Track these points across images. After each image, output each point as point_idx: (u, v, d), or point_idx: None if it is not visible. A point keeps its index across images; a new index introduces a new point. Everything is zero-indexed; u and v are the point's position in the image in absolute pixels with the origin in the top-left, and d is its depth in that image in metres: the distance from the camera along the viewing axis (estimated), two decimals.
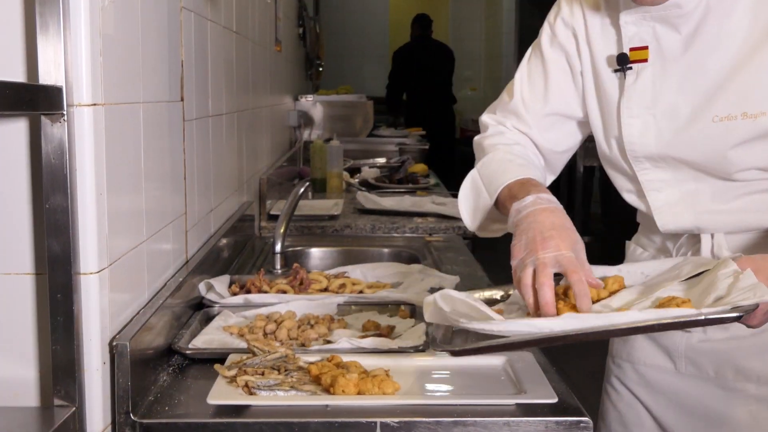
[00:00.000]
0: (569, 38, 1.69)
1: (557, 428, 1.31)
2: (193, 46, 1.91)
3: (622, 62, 1.58)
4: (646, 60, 1.57)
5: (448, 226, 3.00)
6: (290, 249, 2.63)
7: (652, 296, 1.37)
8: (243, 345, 1.58)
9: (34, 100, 1.12)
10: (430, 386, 1.44)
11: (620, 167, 1.67)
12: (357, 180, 4.22)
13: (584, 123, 1.73)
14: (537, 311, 1.34)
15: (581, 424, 1.31)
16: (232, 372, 1.41)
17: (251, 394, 1.36)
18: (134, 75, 1.46)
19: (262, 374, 1.40)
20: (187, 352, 1.56)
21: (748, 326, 1.35)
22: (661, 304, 1.31)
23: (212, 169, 2.15)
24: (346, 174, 4.17)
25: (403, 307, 1.87)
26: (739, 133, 1.50)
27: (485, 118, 1.80)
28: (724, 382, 1.63)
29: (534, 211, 1.45)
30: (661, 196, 1.63)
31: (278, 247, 2.36)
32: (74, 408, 1.22)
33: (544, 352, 1.61)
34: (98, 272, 1.25)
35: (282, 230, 2.37)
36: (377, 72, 9.63)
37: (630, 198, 1.70)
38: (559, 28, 1.70)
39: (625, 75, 1.59)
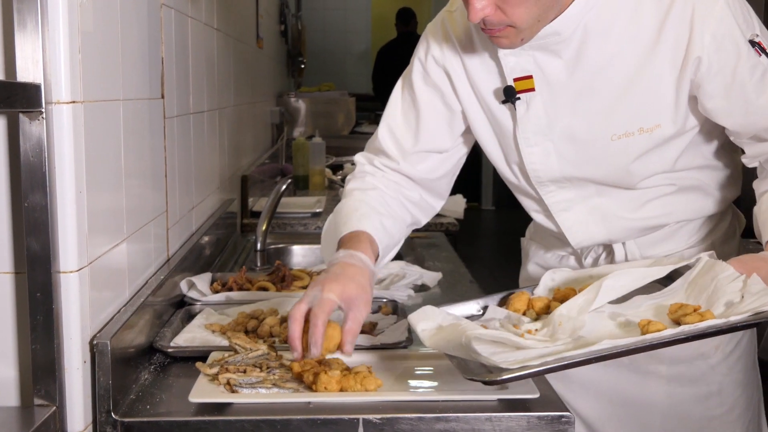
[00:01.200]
0: (442, 78, 1.69)
1: (539, 423, 1.31)
2: (173, 43, 1.90)
3: (509, 95, 1.59)
4: (533, 89, 1.58)
5: (430, 223, 2.98)
6: (272, 246, 2.62)
7: (656, 304, 1.41)
8: (225, 343, 1.58)
9: (11, 98, 1.11)
10: (412, 382, 1.45)
11: (525, 191, 1.72)
12: (339, 177, 4.22)
13: (457, 150, 1.75)
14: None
15: (563, 419, 1.31)
16: (214, 370, 1.41)
17: (233, 391, 1.36)
18: (114, 72, 1.45)
19: (244, 372, 1.40)
20: (169, 350, 1.55)
21: None
22: (675, 311, 1.34)
23: (193, 166, 2.14)
24: (328, 171, 4.16)
25: (385, 303, 1.87)
26: (638, 147, 1.57)
27: (358, 156, 1.81)
28: (636, 367, 1.70)
29: (339, 263, 1.47)
30: (570, 216, 1.69)
31: (260, 245, 2.36)
32: (55, 407, 1.22)
33: None
34: (78, 271, 1.25)
35: (264, 228, 2.37)
36: (360, 69, 9.63)
37: (539, 218, 1.75)
38: (431, 67, 1.70)
39: (515, 106, 1.60)
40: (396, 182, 1.73)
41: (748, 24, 1.52)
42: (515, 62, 1.58)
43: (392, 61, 8.32)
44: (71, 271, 1.24)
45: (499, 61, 1.60)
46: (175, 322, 1.70)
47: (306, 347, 1.36)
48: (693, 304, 1.36)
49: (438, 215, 3.05)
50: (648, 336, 1.27)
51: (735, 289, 1.35)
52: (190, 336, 1.63)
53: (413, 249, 2.62)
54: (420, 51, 1.73)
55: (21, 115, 1.16)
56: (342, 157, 4.89)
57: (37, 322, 1.20)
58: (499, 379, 1.24)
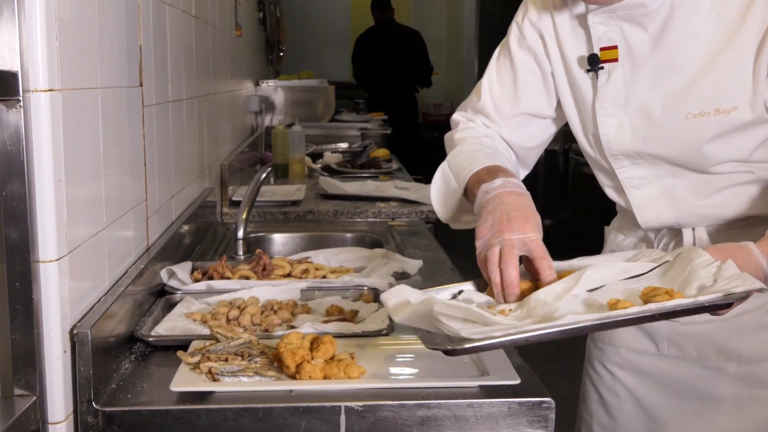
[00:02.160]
0: (537, 40, 1.70)
1: (520, 409, 1.32)
2: (151, 31, 1.89)
3: (593, 63, 1.60)
4: (616, 59, 1.58)
5: (410, 211, 3.01)
6: (253, 235, 2.62)
7: (629, 288, 1.39)
8: (206, 331, 1.58)
9: None
10: (394, 370, 1.45)
11: (600, 164, 1.70)
12: (319, 165, 4.21)
13: (554, 120, 1.77)
14: (501, 291, 1.38)
15: (543, 405, 1.32)
16: (196, 359, 1.41)
17: (215, 380, 1.36)
18: (92, 60, 1.44)
19: (226, 360, 1.40)
20: (150, 339, 1.55)
21: (714, 314, 1.39)
22: (646, 294, 1.32)
23: (173, 155, 2.13)
24: (308, 159, 4.15)
25: (366, 291, 1.87)
26: (713, 128, 1.53)
27: (456, 116, 1.82)
28: (706, 363, 1.66)
29: (501, 194, 1.47)
30: (641, 193, 1.66)
31: (240, 233, 2.36)
32: (35, 397, 1.21)
33: None
34: (57, 260, 1.24)
35: (244, 216, 2.36)
36: (339, 57, 9.60)
37: (610, 193, 1.73)
38: (527, 30, 1.71)
39: (597, 75, 1.61)
40: (498, 138, 1.75)
41: None
42: (603, 31, 1.58)
43: (371, 48, 8.31)
44: (50, 261, 1.23)
45: (588, 29, 1.60)
46: (155, 311, 1.70)
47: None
48: (666, 288, 1.35)
49: (418, 203, 3.07)
50: (613, 312, 1.26)
51: (708, 274, 1.35)
52: (171, 325, 1.63)
53: (393, 237, 2.62)
54: (518, 15, 1.75)
55: None
56: (322, 146, 4.88)
57: (17, 311, 1.19)
58: (459, 348, 1.22)
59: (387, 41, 8.30)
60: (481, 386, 1.35)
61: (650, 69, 1.57)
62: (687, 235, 1.65)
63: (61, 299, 1.25)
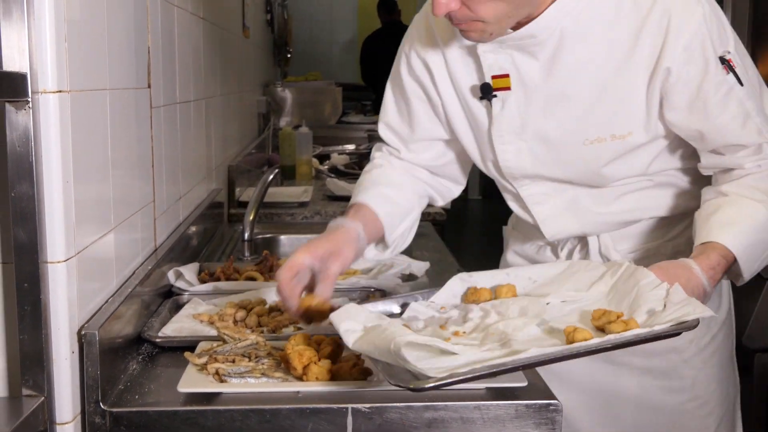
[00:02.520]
0: (423, 72, 1.71)
1: (527, 411, 1.32)
2: (159, 33, 1.89)
3: (486, 92, 1.61)
4: (509, 88, 1.59)
5: None
6: (260, 236, 2.62)
7: (578, 308, 1.42)
8: (213, 332, 1.58)
9: None
10: (400, 371, 1.44)
11: (502, 184, 1.75)
12: (326, 167, 4.21)
13: (455, 142, 1.77)
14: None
15: (551, 407, 1.32)
16: (203, 360, 1.41)
17: (222, 381, 1.36)
18: (100, 61, 1.44)
19: (233, 361, 1.40)
20: (157, 340, 1.55)
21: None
22: (598, 318, 1.34)
23: (180, 156, 2.13)
24: (315, 161, 4.15)
25: (373, 293, 1.87)
26: (610, 152, 1.59)
27: (372, 151, 1.87)
28: (611, 359, 1.70)
29: (324, 233, 1.59)
30: (545, 209, 1.71)
31: (247, 235, 2.36)
32: (43, 398, 1.21)
33: None
34: (66, 261, 1.24)
35: (251, 217, 2.37)
36: (346, 58, 9.61)
37: (515, 209, 1.78)
38: (414, 60, 1.72)
39: (491, 104, 1.62)
40: (406, 163, 1.79)
41: (722, 40, 1.52)
42: (494, 60, 1.59)
43: (378, 50, 8.30)
44: (59, 261, 1.23)
45: (478, 57, 1.60)
46: (162, 312, 1.70)
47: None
48: (615, 310, 1.36)
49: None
50: (575, 345, 1.26)
51: (657, 297, 1.36)
52: (179, 326, 1.63)
53: None
54: (405, 44, 1.76)
55: (7, 105, 1.16)
56: (329, 147, 4.88)
57: (25, 312, 1.20)
58: (426, 386, 1.19)
59: (393, 43, 8.28)
60: (488, 388, 1.35)
61: (543, 97, 1.59)
62: (593, 244, 1.71)
63: (69, 300, 1.26)
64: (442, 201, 1.87)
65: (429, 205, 3.04)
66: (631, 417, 1.76)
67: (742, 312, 2.27)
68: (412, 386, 1.20)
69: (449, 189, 1.86)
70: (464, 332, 1.38)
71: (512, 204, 1.77)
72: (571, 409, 1.75)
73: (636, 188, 1.67)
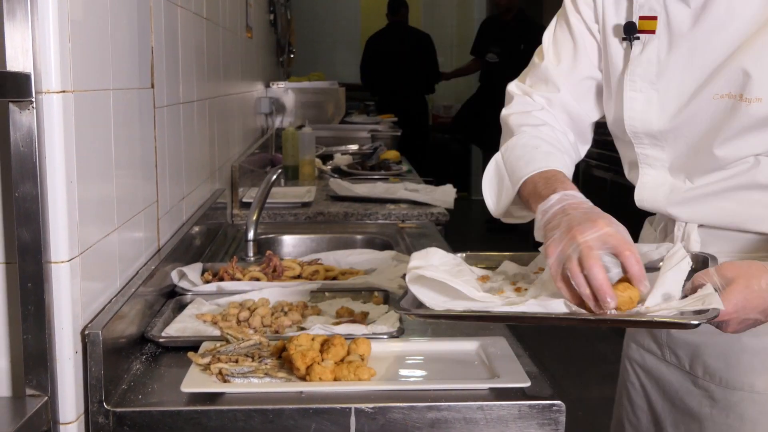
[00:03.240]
0: (588, 4, 1.63)
1: (530, 412, 1.32)
2: (163, 33, 1.89)
3: (629, 31, 1.53)
4: (653, 31, 1.51)
5: (420, 213, 3.01)
6: (263, 236, 2.62)
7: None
8: (216, 333, 1.58)
9: (1, 88, 1.11)
10: (404, 372, 1.45)
11: (620, 136, 1.63)
12: (329, 167, 4.21)
13: None
14: (595, 301, 1.25)
15: (554, 407, 1.32)
16: (206, 360, 1.41)
17: (225, 381, 1.36)
18: (104, 61, 1.44)
19: (236, 362, 1.40)
20: (160, 340, 1.55)
21: (724, 330, 1.33)
22: (615, 287, 1.27)
23: (184, 156, 2.13)
24: (318, 161, 4.16)
25: (376, 293, 1.87)
26: (737, 116, 1.44)
27: (512, 87, 1.72)
28: (695, 379, 1.58)
29: (562, 208, 1.37)
30: (652, 172, 1.58)
31: (251, 235, 2.36)
32: (46, 398, 1.22)
33: (516, 336, 1.62)
34: (69, 261, 1.24)
35: (255, 218, 2.37)
36: (349, 58, 9.60)
37: (626, 169, 1.67)
38: None
39: (631, 45, 1.54)
40: (558, 119, 1.66)
41: None
42: (644, 1, 1.52)
43: (381, 50, 8.30)
44: (62, 261, 1.23)
45: None
46: (166, 312, 1.70)
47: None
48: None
49: (428, 205, 3.07)
50: (571, 312, 1.26)
51: (678, 281, 1.29)
52: (182, 326, 1.63)
53: (403, 239, 2.62)
54: None
55: (11, 105, 1.16)
56: (332, 147, 4.88)
57: (29, 312, 1.20)
58: (417, 313, 1.31)
59: (397, 43, 8.30)
60: (491, 389, 1.35)
61: (687, 46, 1.49)
62: (678, 229, 1.56)
63: (73, 300, 1.26)
64: (578, 158, 1.70)
65: (431, 205, 3.07)
66: None
67: None
68: (410, 312, 1.32)
69: (578, 152, 1.71)
70: (525, 289, 1.39)
71: (625, 165, 1.66)
72: (663, 417, 1.66)
73: (743, 184, 1.48)
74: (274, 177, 2.47)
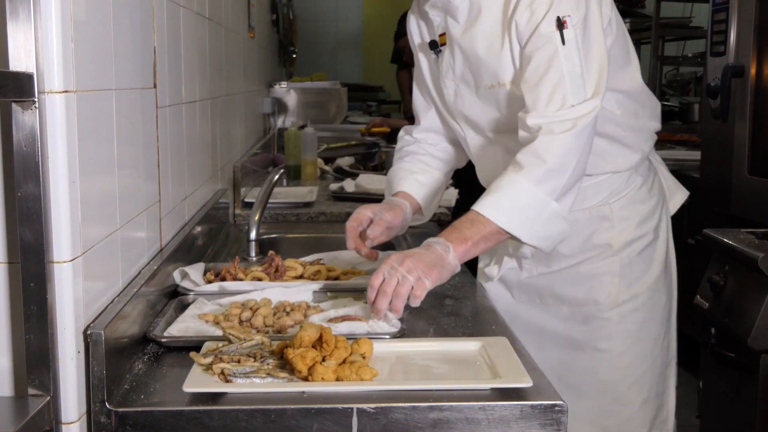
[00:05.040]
0: (417, 32, 2.13)
1: (532, 412, 1.32)
2: (165, 33, 1.89)
3: (433, 47, 2.02)
4: (445, 43, 2.00)
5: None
6: (265, 236, 2.62)
7: None
8: (218, 333, 1.58)
9: (4, 88, 1.11)
10: (406, 372, 1.45)
11: (460, 136, 2.11)
12: (331, 167, 4.21)
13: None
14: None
15: (556, 407, 1.32)
16: (208, 360, 1.41)
17: (227, 381, 1.36)
18: (106, 61, 1.44)
19: (238, 362, 1.40)
20: (163, 340, 1.55)
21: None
22: None
23: (186, 156, 2.13)
24: (320, 161, 4.16)
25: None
26: (503, 98, 1.91)
27: (399, 133, 2.31)
28: (546, 307, 2.09)
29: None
30: (481, 153, 2.06)
31: (253, 235, 2.36)
32: (49, 397, 1.22)
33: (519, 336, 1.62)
34: (72, 260, 1.24)
35: (257, 217, 2.37)
36: (351, 58, 9.61)
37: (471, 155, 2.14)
38: (412, 25, 2.13)
39: (437, 56, 2.03)
40: (426, 140, 2.22)
41: (570, 4, 1.77)
42: (439, 21, 1.99)
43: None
44: (65, 261, 1.23)
45: (430, 19, 2.01)
46: (168, 312, 1.70)
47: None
48: None
49: None
50: None
51: None
52: (184, 326, 1.63)
53: (405, 239, 2.62)
54: (408, 18, 2.18)
55: (14, 105, 1.16)
56: (332, 145, 4.87)
57: (31, 312, 1.20)
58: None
59: None
60: (493, 389, 1.35)
61: (462, 52, 1.95)
62: None
63: (75, 300, 1.26)
64: (464, 161, 2.25)
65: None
66: (557, 354, 2.04)
67: (747, 313, 2.26)
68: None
69: (457, 158, 2.26)
70: None
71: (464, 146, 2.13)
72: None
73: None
74: (276, 177, 2.47)
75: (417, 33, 2.11)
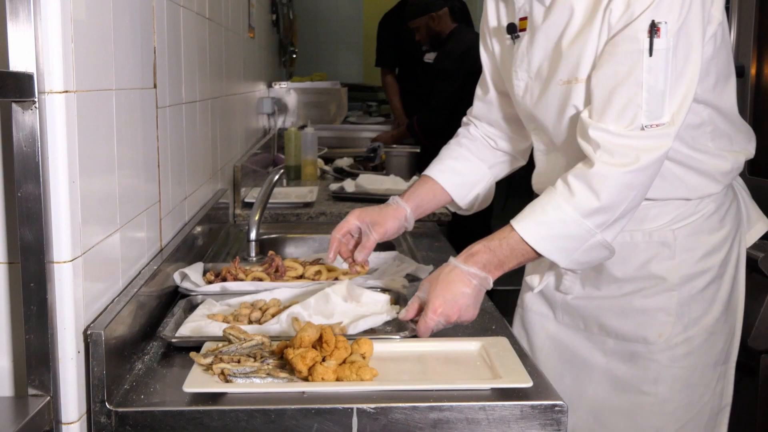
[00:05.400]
0: (485, 19, 1.92)
1: (532, 412, 1.32)
2: (165, 33, 1.89)
3: (511, 31, 1.80)
4: (525, 29, 1.77)
5: None
6: (265, 236, 2.62)
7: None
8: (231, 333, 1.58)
9: (4, 87, 1.11)
10: (407, 372, 1.45)
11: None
12: (331, 167, 4.21)
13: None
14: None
15: (556, 408, 1.32)
16: (208, 360, 1.41)
17: (227, 381, 1.36)
18: (106, 61, 1.44)
19: (238, 362, 1.40)
20: (173, 340, 1.55)
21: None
22: None
23: (186, 156, 2.13)
24: (320, 161, 4.15)
25: (379, 293, 1.87)
26: (576, 96, 1.66)
27: (464, 118, 2.09)
28: (590, 335, 1.88)
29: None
30: (544, 159, 1.87)
31: (253, 235, 2.36)
32: (49, 397, 1.22)
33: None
34: (72, 261, 1.24)
35: (257, 218, 2.37)
36: (351, 58, 9.60)
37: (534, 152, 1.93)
38: (487, 10, 1.91)
39: (513, 42, 1.80)
40: (481, 131, 2.03)
41: (668, 9, 1.53)
42: (522, 3, 1.76)
43: (396, 29, 7.70)
44: (65, 261, 1.23)
45: (513, 2, 1.79)
46: (177, 313, 1.70)
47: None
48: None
49: None
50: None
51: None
52: (194, 326, 1.63)
53: (406, 239, 2.62)
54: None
55: (14, 105, 1.16)
56: (335, 149, 4.87)
57: (31, 312, 1.20)
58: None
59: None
60: (493, 389, 1.35)
61: (542, 38, 1.72)
62: None
63: (75, 300, 1.26)
64: (523, 160, 2.06)
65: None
66: (594, 390, 1.86)
67: (747, 313, 2.26)
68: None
69: (515, 157, 2.05)
70: None
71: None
72: (547, 371, 1.76)
73: None
74: (276, 177, 2.47)
75: (494, 15, 1.88)
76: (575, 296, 1.87)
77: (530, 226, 1.59)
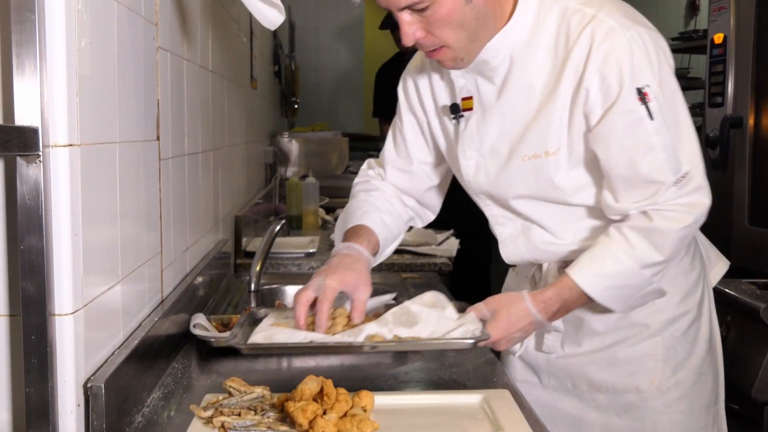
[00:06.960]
0: (413, 91, 1.92)
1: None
2: (169, 86, 1.91)
3: (455, 111, 1.81)
4: (471, 108, 1.79)
5: (424, 263, 3.01)
6: (266, 287, 2.62)
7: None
8: (298, 339, 1.57)
9: (9, 142, 1.12)
10: (408, 425, 1.44)
11: (479, 204, 1.90)
12: (333, 217, 4.22)
13: (437, 165, 1.98)
14: (304, 326, 1.60)
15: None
16: (208, 413, 1.40)
17: None
18: (110, 115, 1.46)
19: (239, 415, 1.39)
20: (243, 347, 1.56)
21: (497, 348, 1.70)
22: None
23: (188, 207, 2.14)
24: (322, 211, 4.17)
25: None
26: (549, 168, 1.70)
27: (364, 165, 2.10)
28: (580, 394, 1.86)
29: (338, 254, 1.74)
30: (506, 230, 1.86)
31: (254, 286, 2.36)
32: None
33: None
34: (73, 313, 1.24)
35: (258, 268, 2.37)
36: (352, 108, 9.67)
37: (492, 228, 1.91)
38: (408, 84, 1.93)
39: (458, 122, 1.81)
40: (394, 186, 2.00)
41: (644, 72, 1.59)
42: (463, 84, 1.78)
43: (392, 80, 8.00)
44: (66, 314, 1.23)
45: (452, 81, 1.80)
46: (244, 326, 1.67)
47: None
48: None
49: (431, 255, 3.07)
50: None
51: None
52: (266, 334, 1.61)
53: (407, 289, 2.62)
54: (404, 72, 1.97)
55: (18, 159, 1.17)
56: (337, 199, 4.89)
57: (32, 365, 1.19)
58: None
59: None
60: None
61: (497, 116, 1.75)
62: (545, 269, 1.84)
63: (76, 352, 1.26)
64: (421, 223, 2.06)
65: (434, 256, 3.07)
66: None
67: (749, 364, 2.25)
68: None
69: (427, 214, 2.06)
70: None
71: (490, 225, 1.90)
72: None
73: (594, 215, 1.75)
74: (278, 227, 2.47)
75: (428, 93, 1.88)
76: (557, 356, 1.87)
77: (590, 278, 1.66)
